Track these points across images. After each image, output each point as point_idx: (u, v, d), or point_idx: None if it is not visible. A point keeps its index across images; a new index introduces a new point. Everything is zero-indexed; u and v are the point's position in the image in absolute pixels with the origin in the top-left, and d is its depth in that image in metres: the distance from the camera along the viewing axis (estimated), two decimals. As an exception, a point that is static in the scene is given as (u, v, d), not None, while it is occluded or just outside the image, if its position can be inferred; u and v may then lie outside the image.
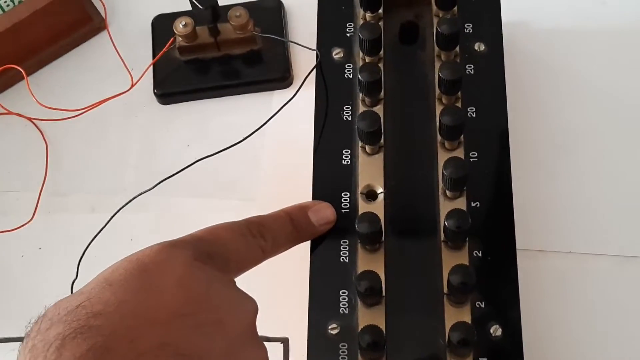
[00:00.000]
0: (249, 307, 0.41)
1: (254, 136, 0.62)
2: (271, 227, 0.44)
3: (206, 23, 0.64)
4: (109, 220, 0.51)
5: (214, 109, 0.67)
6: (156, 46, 0.68)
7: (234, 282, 0.42)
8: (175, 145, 0.65)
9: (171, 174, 0.58)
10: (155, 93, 0.66)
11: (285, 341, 0.57)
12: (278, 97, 0.66)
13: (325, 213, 0.48)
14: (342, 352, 0.48)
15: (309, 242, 0.52)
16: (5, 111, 0.66)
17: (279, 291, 0.59)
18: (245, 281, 0.59)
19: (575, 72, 0.65)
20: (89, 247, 0.54)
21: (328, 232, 0.51)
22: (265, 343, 0.57)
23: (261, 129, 0.62)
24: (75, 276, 0.52)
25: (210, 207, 0.63)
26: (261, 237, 0.43)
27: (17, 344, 0.58)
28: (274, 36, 0.65)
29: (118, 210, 0.52)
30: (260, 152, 0.64)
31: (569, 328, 0.56)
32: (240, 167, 0.64)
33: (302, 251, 0.54)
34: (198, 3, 0.61)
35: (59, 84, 0.67)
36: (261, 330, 0.58)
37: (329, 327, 0.48)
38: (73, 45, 0.69)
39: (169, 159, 0.65)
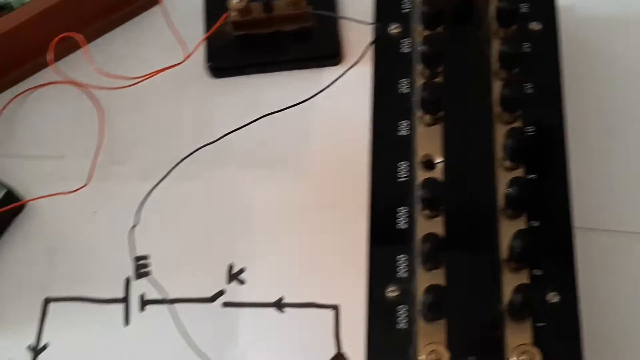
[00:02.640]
0: None
1: (304, 111, 0.64)
2: None
3: (261, -1, 0.65)
4: (170, 172, 0.53)
5: (264, 84, 0.68)
6: (209, 20, 0.69)
7: None
8: (226, 118, 0.67)
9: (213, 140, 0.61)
10: (207, 67, 0.68)
11: (336, 308, 0.59)
12: (328, 74, 0.67)
13: None
14: (402, 313, 0.49)
15: (364, 209, 0.53)
16: (63, 79, 0.67)
17: (330, 258, 0.60)
18: (299, 249, 0.61)
19: (623, 57, 0.67)
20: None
21: (385, 200, 0.53)
22: (316, 309, 0.59)
23: (312, 104, 0.63)
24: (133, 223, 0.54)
25: (259, 176, 0.64)
26: None
27: (72, 302, 0.60)
28: (327, 13, 0.67)
29: (179, 163, 0.53)
30: (310, 126, 0.66)
31: (623, 304, 0.58)
32: (291, 141, 0.65)
33: (354, 218, 0.56)
34: (255, -22, 0.62)
35: (113, 55, 0.68)
36: (312, 297, 0.60)
37: (388, 290, 0.50)
38: (127, 18, 0.70)
39: (220, 132, 0.66)
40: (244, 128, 0.65)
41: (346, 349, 0.58)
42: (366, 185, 0.62)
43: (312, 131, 0.66)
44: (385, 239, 0.52)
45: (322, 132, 0.66)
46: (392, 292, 0.50)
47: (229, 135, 0.64)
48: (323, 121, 0.66)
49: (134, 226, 0.53)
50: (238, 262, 0.61)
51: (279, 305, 0.59)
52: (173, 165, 0.61)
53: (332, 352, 0.58)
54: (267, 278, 0.61)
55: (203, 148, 0.60)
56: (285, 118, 0.63)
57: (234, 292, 0.60)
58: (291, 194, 0.63)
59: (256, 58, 0.68)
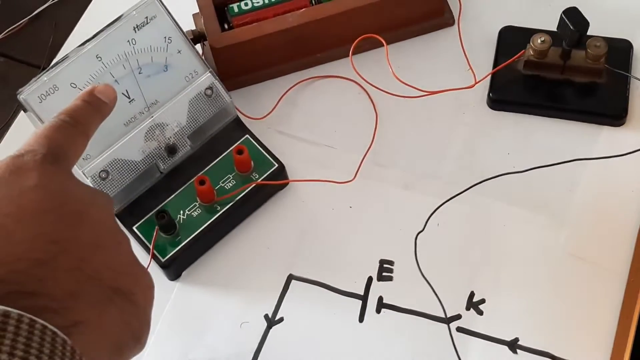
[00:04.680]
0: (105, 199, 0.43)
1: (576, 162, 0.64)
2: (78, 112, 0.45)
3: (563, 45, 0.65)
4: (460, 193, 0.54)
5: (540, 126, 0.68)
6: (500, 54, 0.70)
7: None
8: (496, 150, 0.67)
9: (487, 176, 0.63)
10: (489, 97, 0.69)
11: (570, 365, 0.58)
12: (607, 133, 0.67)
13: (109, 90, 0.48)
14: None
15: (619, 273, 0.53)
16: (350, 77, 0.70)
17: (573, 312, 0.60)
18: (543, 295, 0.60)
19: None
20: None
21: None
22: (550, 361, 0.58)
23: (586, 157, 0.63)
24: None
25: (518, 216, 0.64)
26: (77, 123, 0.44)
27: (313, 286, 0.62)
28: (622, 72, 0.66)
29: (448, 200, 0.54)
30: (579, 179, 0.65)
31: None
32: (556, 187, 0.65)
33: (607, 278, 0.55)
34: (572, 25, 0.62)
35: (402, 63, 0.70)
36: (547, 346, 0.59)
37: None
38: (422, 32, 0.72)
39: (487, 161, 0.67)
40: (512, 164, 0.65)
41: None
42: (627, 252, 0.61)
43: (579, 183, 0.65)
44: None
45: (589, 187, 0.65)
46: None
47: (500, 168, 0.65)
48: (593, 176, 0.65)
49: (419, 232, 0.55)
50: (479, 292, 0.62)
51: (514, 345, 0.59)
52: (433, 180, 0.63)
53: (560, 408, 0.57)
54: (505, 315, 0.61)
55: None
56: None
57: (470, 320, 0.61)
58: (546, 239, 0.63)
59: (539, 100, 0.68)
